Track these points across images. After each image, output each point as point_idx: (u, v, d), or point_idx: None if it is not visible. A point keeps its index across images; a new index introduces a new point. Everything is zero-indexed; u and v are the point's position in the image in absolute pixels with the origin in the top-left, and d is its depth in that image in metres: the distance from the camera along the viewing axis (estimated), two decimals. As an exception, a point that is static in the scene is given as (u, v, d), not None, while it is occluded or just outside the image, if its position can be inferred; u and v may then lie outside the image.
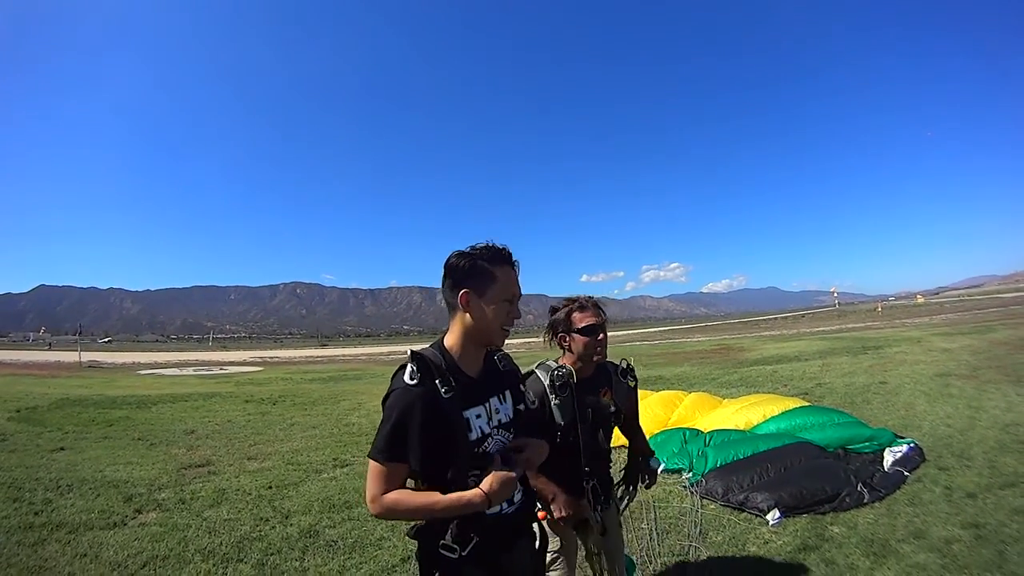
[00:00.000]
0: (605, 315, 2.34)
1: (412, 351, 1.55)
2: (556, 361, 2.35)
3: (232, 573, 3.59)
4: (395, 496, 1.46)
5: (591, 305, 2.34)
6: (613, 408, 2.37)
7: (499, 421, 1.64)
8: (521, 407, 1.76)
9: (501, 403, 1.68)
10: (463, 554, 1.51)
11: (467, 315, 1.57)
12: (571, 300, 2.37)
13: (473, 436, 1.55)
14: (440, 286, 1.62)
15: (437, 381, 1.49)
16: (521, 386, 1.81)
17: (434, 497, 1.46)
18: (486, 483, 1.47)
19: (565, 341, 2.32)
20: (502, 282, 1.57)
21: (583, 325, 2.27)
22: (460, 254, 1.57)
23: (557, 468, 2.10)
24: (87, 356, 41.02)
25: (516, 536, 1.69)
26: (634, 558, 3.27)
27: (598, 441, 2.32)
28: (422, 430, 1.45)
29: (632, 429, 2.56)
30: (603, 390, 2.35)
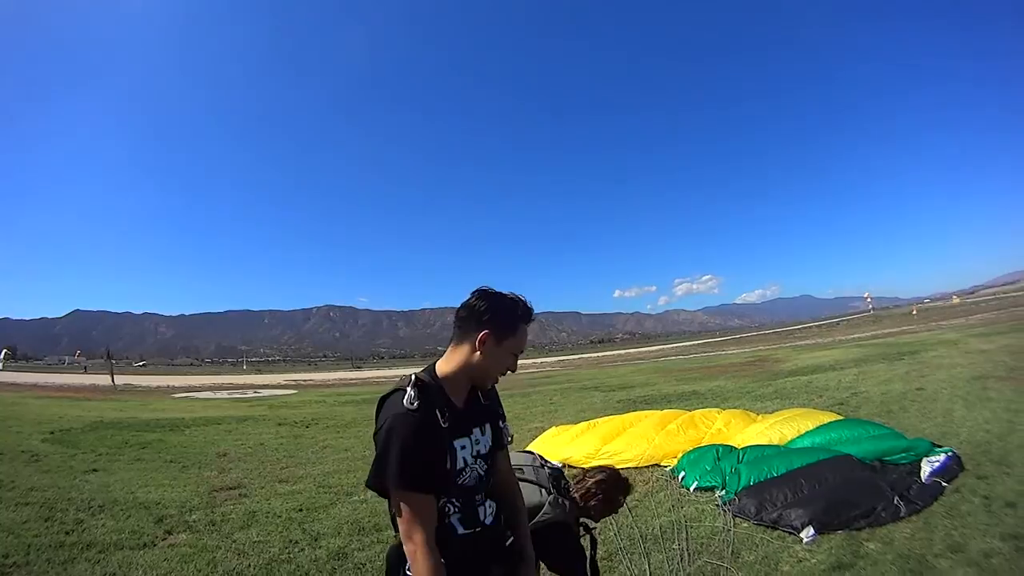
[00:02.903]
0: None
1: (414, 376, 1.59)
2: None
3: (261, 596, 3.60)
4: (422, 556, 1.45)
5: None
6: None
7: (478, 452, 1.68)
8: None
9: (482, 435, 1.72)
10: None
11: (478, 354, 1.64)
12: None
13: (458, 466, 1.60)
14: (461, 309, 1.68)
15: (437, 410, 1.54)
16: (501, 423, 1.83)
17: None
18: None
19: None
20: (520, 338, 1.69)
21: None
22: (501, 300, 1.66)
23: None
24: (122, 380, 41.19)
25: (490, 560, 1.69)
26: None
27: None
28: (425, 456, 1.49)
29: None
30: None
